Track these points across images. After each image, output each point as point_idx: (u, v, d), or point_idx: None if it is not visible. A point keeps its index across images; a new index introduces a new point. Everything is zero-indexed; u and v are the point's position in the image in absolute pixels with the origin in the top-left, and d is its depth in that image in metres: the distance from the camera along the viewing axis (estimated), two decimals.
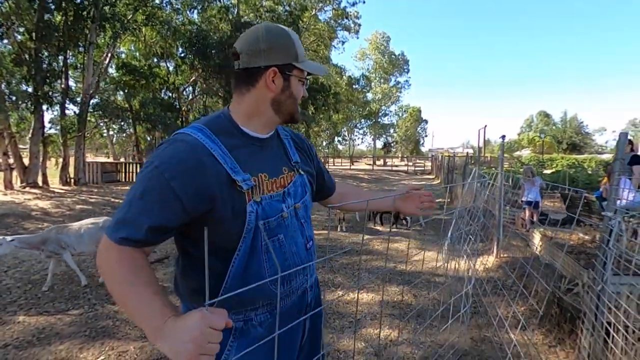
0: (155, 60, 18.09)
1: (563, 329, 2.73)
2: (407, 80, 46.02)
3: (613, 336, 1.93)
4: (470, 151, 15.10)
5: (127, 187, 14.46)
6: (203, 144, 0.86)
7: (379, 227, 7.01)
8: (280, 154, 1.04)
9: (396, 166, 33.81)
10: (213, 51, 15.07)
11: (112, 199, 11.85)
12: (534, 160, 26.33)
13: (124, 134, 32.77)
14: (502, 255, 4.50)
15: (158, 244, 0.88)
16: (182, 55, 16.65)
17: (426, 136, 51.41)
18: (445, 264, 3.90)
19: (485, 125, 5.70)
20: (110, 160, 28.42)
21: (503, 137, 4.60)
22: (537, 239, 4.56)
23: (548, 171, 17.24)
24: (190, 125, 0.92)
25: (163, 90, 17.55)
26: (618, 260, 2.15)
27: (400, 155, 45.33)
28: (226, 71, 14.72)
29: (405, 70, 45.67)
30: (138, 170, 17.24)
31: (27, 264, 4.41)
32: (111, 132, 33.06)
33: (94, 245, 3.77)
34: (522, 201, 6.39)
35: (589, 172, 16.50)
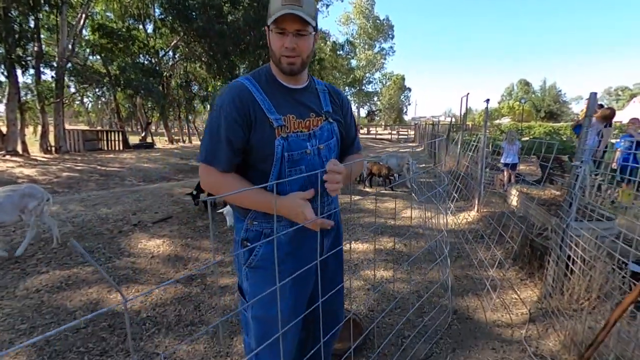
0: (132, 22, 17.19)
1: (533, 265, 3.17)
2: (391, 47, 45.52)
3: (574, 261, 2.33)
4: (453, 119, 15.49)
5: (111, 155, 14.21)
6: (247, 87, 1.17)
7: (368, 189, 7.38)
8: (311, 102, 1.27)
9: (380, 134, 34.12)
10: (194, 13, 14.46)
11: (99, 167, 11.72)
12: (513, 128, 27.18)
13: (100, 102, 31.44)
14: (482, 210, 4.94)
15: (239, 163, 1.18)
16: (162, 17, 15.88)
17: (409, 104, 51.65)
18: (429, 219, 4.28)
19: (468, 93, 5.95)
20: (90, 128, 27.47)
21: (487, 100, 4.88)
22: (514, 194, 5.00)
23: (526, 138, 17.93)
24: (241, 76, 1.24)
25: (142, 55, 16.85)
26: (583, 210, 2.53)
27: (383, 124, 45.54)
28: (210, 35, 14.22)
29: (390, 36, 45.01)
30: (121, 138, 16.91)
31: None
32: (86, 100, 31.63)
33: (15, 213, 3.45)
34: (501, 163, 6.85)
35: (564, 138, 17.32)
